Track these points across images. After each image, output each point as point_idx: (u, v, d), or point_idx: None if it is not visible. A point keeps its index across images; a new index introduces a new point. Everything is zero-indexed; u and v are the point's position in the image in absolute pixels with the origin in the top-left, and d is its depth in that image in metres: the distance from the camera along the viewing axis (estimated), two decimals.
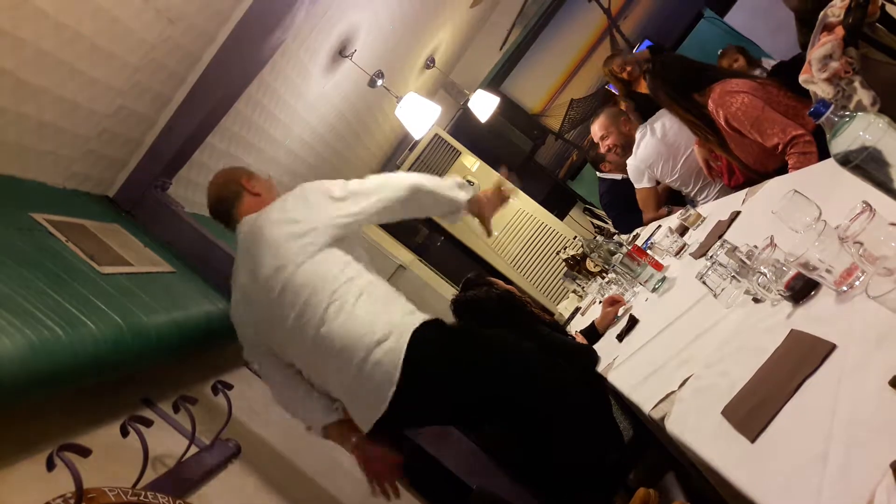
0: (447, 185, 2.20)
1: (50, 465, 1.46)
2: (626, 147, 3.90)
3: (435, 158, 5.75)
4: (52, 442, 1.51)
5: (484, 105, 5.28)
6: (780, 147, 2.52)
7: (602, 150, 3.98)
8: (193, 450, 2.01)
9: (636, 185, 3.83)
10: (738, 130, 2.63)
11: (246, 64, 2.82)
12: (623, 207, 4.32)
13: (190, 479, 1.93)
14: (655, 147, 3.64)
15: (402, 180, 2.10)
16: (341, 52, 3.80)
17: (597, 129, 3.98)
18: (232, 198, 2.20)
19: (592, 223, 5.70)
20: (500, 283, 2.68)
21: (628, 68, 4.35)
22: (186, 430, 2.02)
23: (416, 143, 5.68)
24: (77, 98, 2.33)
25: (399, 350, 1.87)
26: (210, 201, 2.27)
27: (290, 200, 2.07)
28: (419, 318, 1.98)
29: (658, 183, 3.78)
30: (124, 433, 1.74)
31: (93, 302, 1.82)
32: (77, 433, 1.79)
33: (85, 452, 1.52)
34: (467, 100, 5.43)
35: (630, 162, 3.81)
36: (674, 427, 1.39)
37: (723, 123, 2.66)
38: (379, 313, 1.93)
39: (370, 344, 1.87)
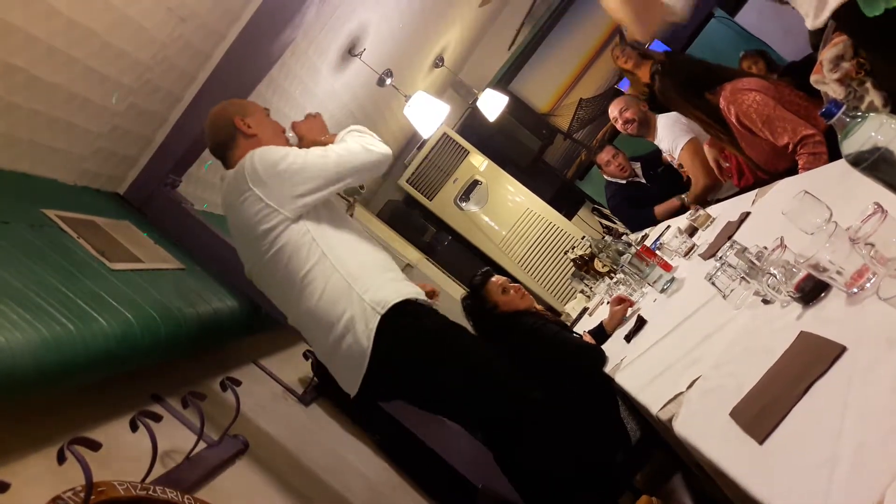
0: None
1: (60, 459, 1.47)
2: (644, 123, 3.89)
3: (443, 157, 5.75)
4: (62, 436, 1.53)
5: (492, 104, 5.27)
6: (790, 146, 2.51)
7: (621, 122, 3.95)
8: (202, 445, 2.02)
9: (681, 143, 3.67)
10: (749, 129, 2.62)
11: (256, 62, 2.83)
12: (632, 207, 4.31)
13: (198, 474, 1.94)
14: (679, 115, 3.64)
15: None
16: (350, 51, 3.81)
17: (614, 107, 3.96)
18: (227, 141, 2.12)
19: (601, 223, 5.69)
20: (498, 289, 2.62)
21: (623, 57, 4.30)
22: (195, 425, 2.03)
23: (425, 142, 5.67)
24: (89, 95, 2.35)
25: (367, 339, 1.93)
26: (208, 143, 2.21)
27: (247, 177, 1.96)
28: (390, 298, 1.98)
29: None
30: (133, 428, 1.75)
31: (103, 297, 1.83)
32: (87, 427, 1.80)
33: (95, 446, 1.53)
34: (476, 99, 5.43)
35: (662, 123, 3.76)
36: (681, 428, 1.39)
37: (734, 121, 2.65)
38: (343, 298, 1.96)
39: (340, 330, 1.95)
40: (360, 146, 2.03)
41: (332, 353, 2.03)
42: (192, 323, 2.20)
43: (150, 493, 1.63)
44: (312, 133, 2.20)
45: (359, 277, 1.99)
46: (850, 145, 0.98)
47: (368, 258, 2.09)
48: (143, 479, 1.69)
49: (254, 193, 1.94)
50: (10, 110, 2.10)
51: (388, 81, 4.20)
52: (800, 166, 2.50)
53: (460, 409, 2.12)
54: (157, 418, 1.81)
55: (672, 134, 3.72)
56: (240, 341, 2.93)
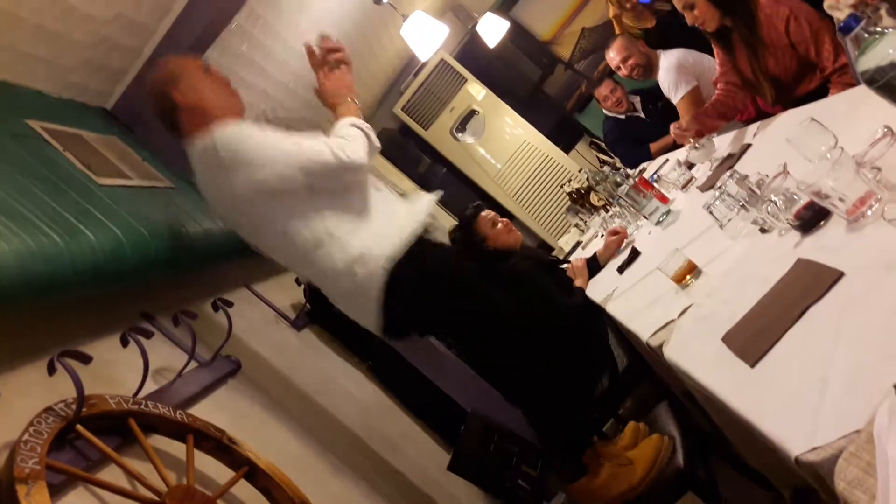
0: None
1: (51, 370, 1.47)
2: (647, 68, 3.79)
3: (440, 85, 5.62)
4: (53, 349, 1.52)
5: (493, 30, 5.10)
6: (827, 69, 2.46)
7: (625, 72, 3.84)
8: (193, 365, 2.03)
9: (681, 91, 3.55)
10: (789, 34, 2.50)
11: None
12: (629, 143, 4.25)
13: (190, 391, 1.95)
14: (683, 54, 3.53)
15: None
16: None
17: (614, 53, 3.82)
18: (170, 113, 1.99)
19: (598, 157, 5.63)
20: (487, 223, 2.60)
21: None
22: (186, 344, 2.03)
23: (421, 67, 5.53)
24: (74, 2, 2.25)
25: (375, 288, 1.92)
26: (154, 115, 2.09)
27: (212, 162, 1.89)
28: (389, 254, 1.93)
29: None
30: (124, 343, 1.75)
31: (91, 212, 1.79)
32: (78, 343, 1.80)
33: (86, 359, 1.52)
34: (475, 24, 5.25)
35: (664, 66, 3.65)
36: (672, 353, 1.39)
37: (781, 22, 2.50)
38: (348, 263, 1.92)
39: (350, 289, 1.96)
40: (331, 152, 1.85)
41: (347, 307, 2.06)
42: (183, 242, 2.17)
43: (142, 407, 1.64)
44: (336, 95, 2.05)
45: (361, 244, 1.94)
46: (867, 61, 0.94)
47: (368, 219, 2.00)
48: (135, 395, 1.70)
49: (226, 177, 1.87)
50: None
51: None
52: (831, 94, 2.43)
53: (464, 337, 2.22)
54: (149, 334, 1.81)
55: (672, 79, 3.61)
56: (231, 264, 2.91)
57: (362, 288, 1.94)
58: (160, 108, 2.01)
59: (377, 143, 2.01)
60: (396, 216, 2.05)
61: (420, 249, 1.99)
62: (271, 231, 1.96)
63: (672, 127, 2.89)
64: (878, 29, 0.93)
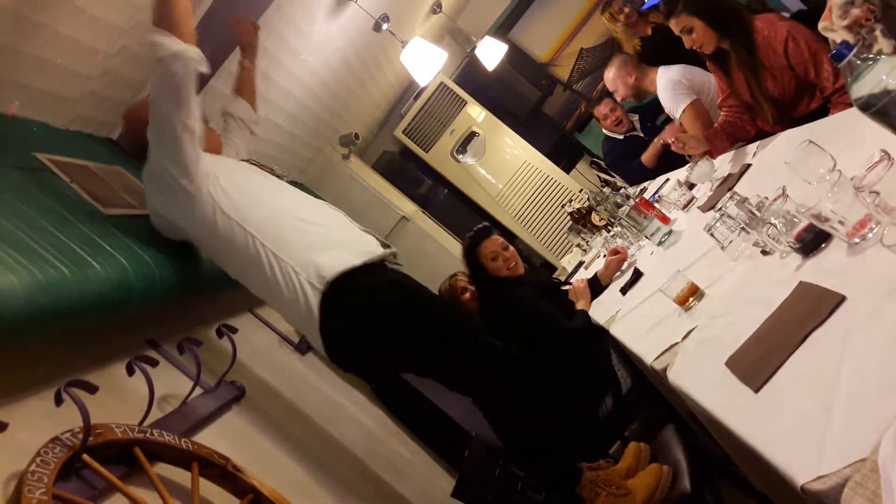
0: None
1: (58, 401, 1.47)
2: (638, 94, 3.83)
3: (440, 108, 5.66)
4: (59, 379, 1.53)
5: (491, 53, 5.15)
6: (827, 90, 2.48)
7: (620, 97, 3.91)
8: (198, 391, 2.03)
9: (682, 105, 3.53)
10: (787, 56, 2.52)
11: (251, 2, 2.75)
12: (629, 161, 4.27)
13: (195, 419, 1.95)
14: (681, 70, 3.56)
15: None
16: None
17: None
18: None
19: (599, 177, 5.65)
20: (488, 256, 2.61)
21: (626, 10, 4.20)
22: (191, 371, 2.04)
23: (421, 91, 5.58)
24: (78, 36, 2.28)
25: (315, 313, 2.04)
26: (130, 148, 2.28)
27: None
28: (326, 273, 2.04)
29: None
30: (130, 372, 1.76)
31: (97, 242, 1.81)
32: (84, 372, 1.80)
33: (92, 389, 1.53)
34: (474, 47, 5.31)
35: (662, 83, 3.65)
36: (676, 377, 1.39)
37: (779, 44, 2.52)
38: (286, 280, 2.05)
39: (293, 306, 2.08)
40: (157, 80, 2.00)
41: (296, 323, 2.21)
42: (188, 269, 2.18)
43: (148, 436, 1.64)
44: None
45: (295, 257, 2.06)
46: (860, 88, 0.96)
47: (309, 233, 2.13)
48: (141, 423, 1.71)
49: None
50: None
51: (385, 27, 4.10)
52: (832, 114, 2.45)
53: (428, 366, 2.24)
54: (154, 363, 1.81)
55: (670, 96, 3.63)
56: (236, 290, 2.92)
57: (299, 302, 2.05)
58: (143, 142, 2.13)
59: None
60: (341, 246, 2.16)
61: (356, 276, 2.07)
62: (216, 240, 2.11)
63: (672, 140, 2.89)
64: (871, 55, 0.95)
